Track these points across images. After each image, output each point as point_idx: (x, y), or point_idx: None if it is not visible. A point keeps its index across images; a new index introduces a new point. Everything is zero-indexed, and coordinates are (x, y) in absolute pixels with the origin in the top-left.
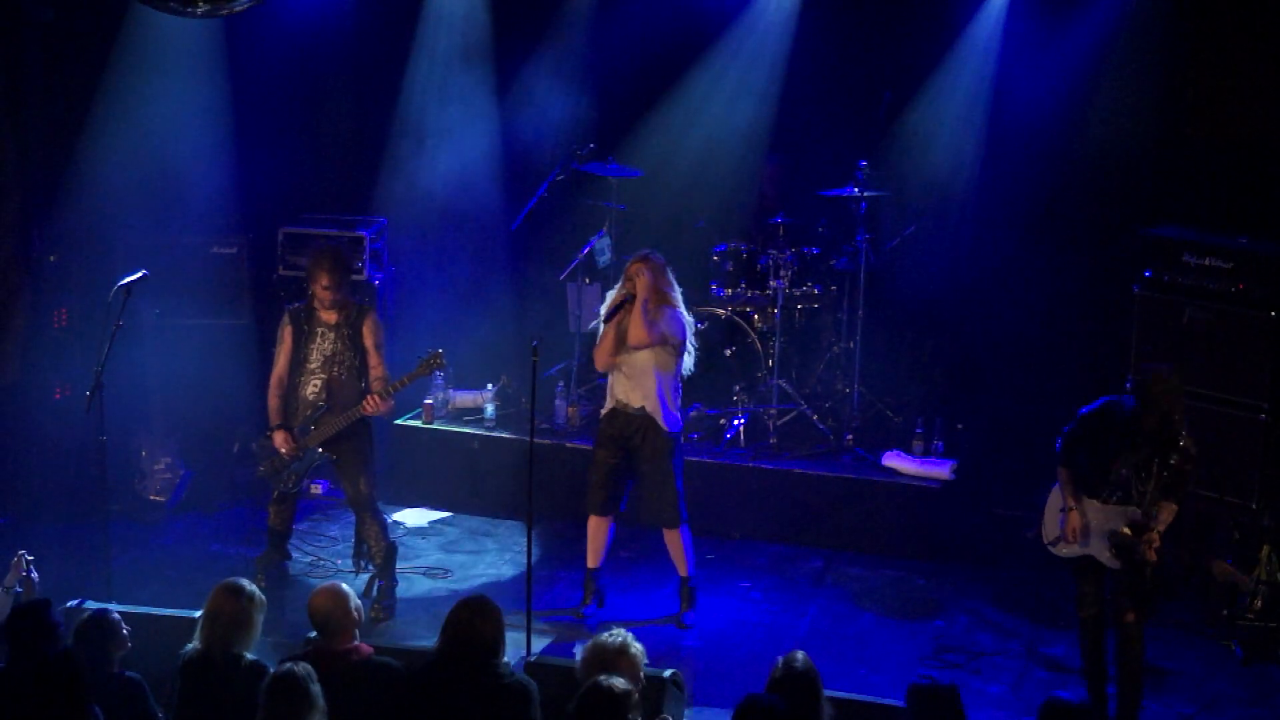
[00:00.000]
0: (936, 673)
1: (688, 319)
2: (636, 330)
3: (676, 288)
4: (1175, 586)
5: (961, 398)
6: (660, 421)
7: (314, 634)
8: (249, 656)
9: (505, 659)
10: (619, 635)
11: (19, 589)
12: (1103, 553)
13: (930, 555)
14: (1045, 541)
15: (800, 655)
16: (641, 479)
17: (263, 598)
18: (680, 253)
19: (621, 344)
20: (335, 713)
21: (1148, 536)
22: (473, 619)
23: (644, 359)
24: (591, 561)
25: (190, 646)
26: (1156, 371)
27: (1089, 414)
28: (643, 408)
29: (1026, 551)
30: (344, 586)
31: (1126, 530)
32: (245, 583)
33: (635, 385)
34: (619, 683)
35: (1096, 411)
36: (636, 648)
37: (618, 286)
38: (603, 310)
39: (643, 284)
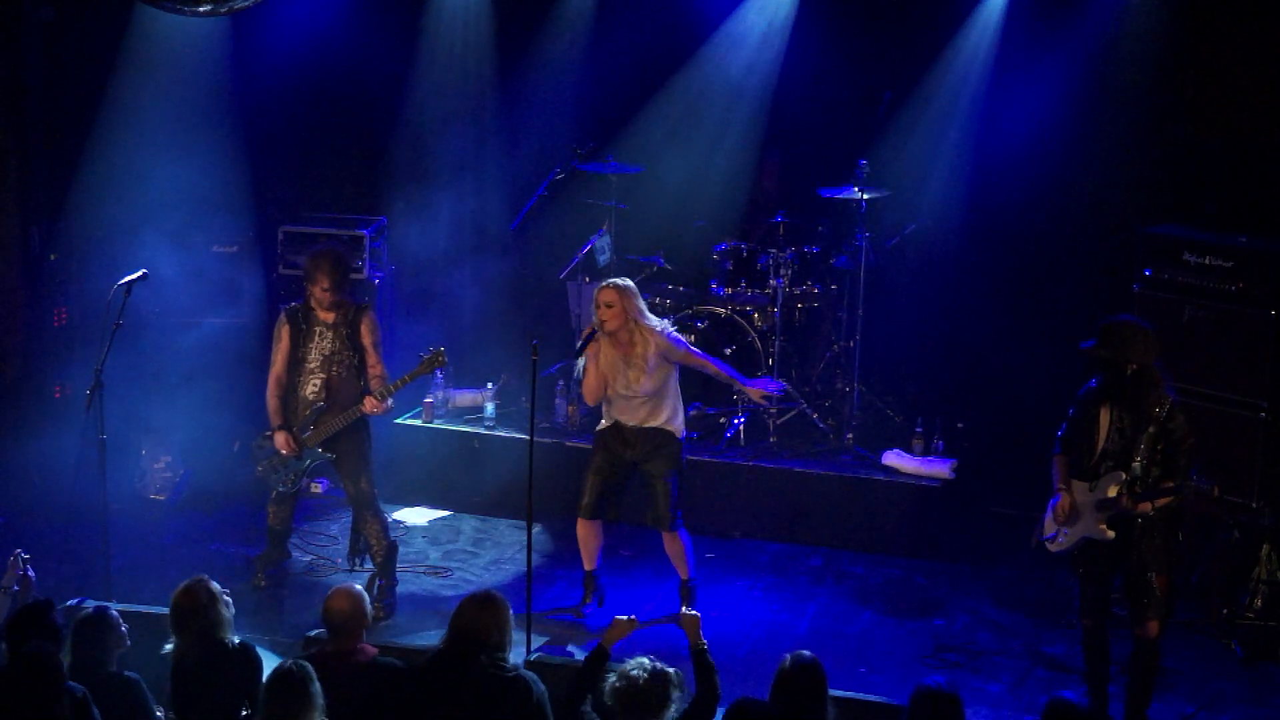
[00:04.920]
0: (943, 679)
1: (662, 323)
2: (645, 383)
3: (643, 303)
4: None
5: (961, 397)
6: (674, 430)
7: (314, 633)
8: (234, 640)
9: (510, 655)
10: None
11: (16, 588)
12: (1095, 527)
13: (930, 554)
14: (1043, 539)
15: (807, 653)
16: (645, 479)
17: (217, 587)
18: (680, 252)
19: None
20: (340, 712)
21: (1133, 489)
22: (477, 612)
23: (652, 385)
24: (588, 565)
25: (170, 646)
26: (1117, 320)
27: (1083, 393)
28: (655, 425)
29: (1026, 551)
30: (359, 588)
31: (1112, 492)
32: (201, 579)
33: (642, 409)
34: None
35: (1089, 388)
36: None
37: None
38: (577, 345)
39: (649, 341)
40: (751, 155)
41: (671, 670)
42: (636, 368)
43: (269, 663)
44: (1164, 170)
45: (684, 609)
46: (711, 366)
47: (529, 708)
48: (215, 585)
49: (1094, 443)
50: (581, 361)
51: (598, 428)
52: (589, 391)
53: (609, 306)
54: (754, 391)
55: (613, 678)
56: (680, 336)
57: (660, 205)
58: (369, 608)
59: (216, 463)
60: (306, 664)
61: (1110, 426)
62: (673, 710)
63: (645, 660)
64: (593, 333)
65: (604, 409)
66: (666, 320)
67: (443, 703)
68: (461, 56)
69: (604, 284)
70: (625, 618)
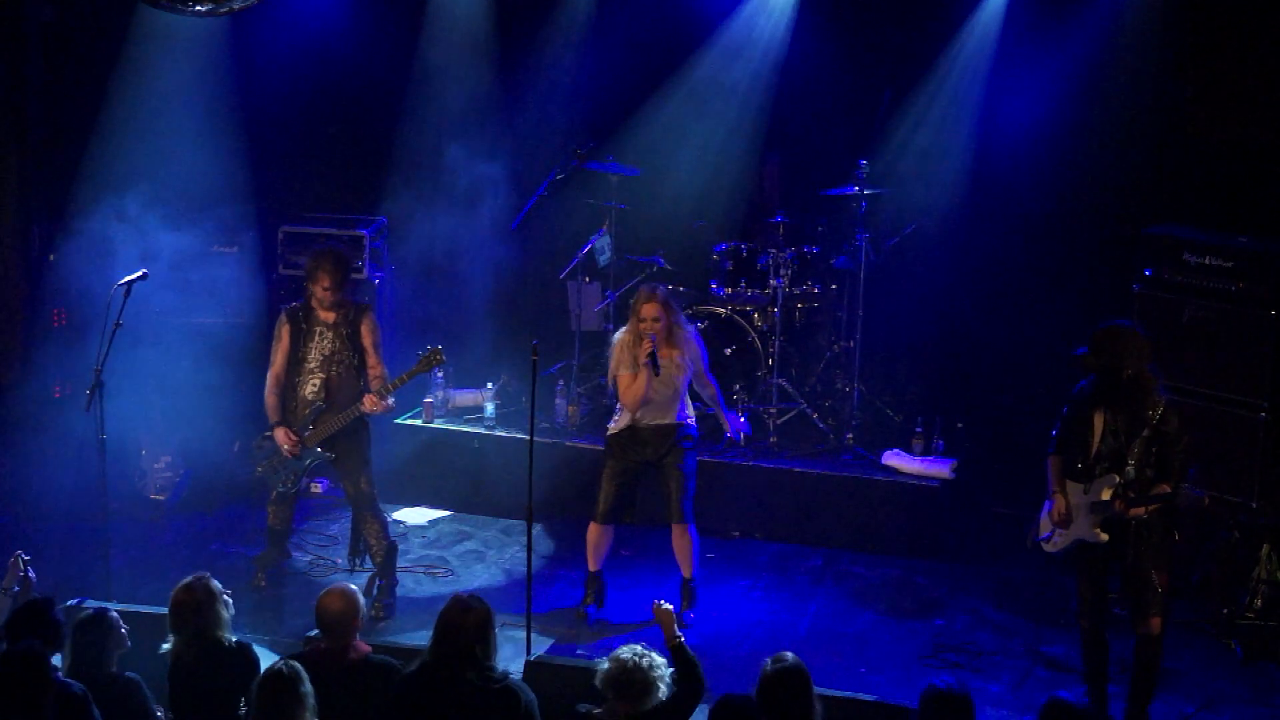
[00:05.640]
0: (953, 679)
1: (692, 328)
2: (678, 380)
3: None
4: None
5: (961, 397)
6: (689, 423)
7: (314, 633)
8: (232, 639)
9: (500, 660)
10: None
11: (16, 589)
12: (1089, 530)
13: (930, 554)
14: (1038, 539)
15: (789, 655)
16: (663, 473)
17: (217, 586)
18: (680, 252)
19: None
20: (334, 711)
21: (1125, 494)
22: (461, 616)
23: (677, 383)
24: (593, 566)
25: (168, 645)
26: (1110, 326)
27: (1076, 392)
28: (670, 421)
29: (1026, 551)
30: (352, 588)
31: (1106, 495)
32: (201, 577)
33: (663, 407)
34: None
35: (1081, 387)
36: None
37: (625, 329)
38: (637, 358)
39: (687, 347)
40: (751, 155)
41: (661, 658)
42: (674, 367)
43: (267, 663)
44: (1164, 170)
45: (658, 601)
46: (711, 388)
47: (517, 716)
48: (215, 584)
49: (1088, 445)
50: (611, 371)
51: (610, 432)
52: (635, 400)
53: (656, 320)
54: (726, 425)
55: (604, 663)
56: (704, 352)
57: (660, 205)
58: (362, 607)
59: (216, 463)
60: (296, 664)
61: (1104, 429)
62: (662, 693)
63: (638, 646)
64: (654, 349)
65: (621, 413)
66: (693, 326)
67: (432, 710)
68: (461, 56)
69: (645, 298)
70: (660, 603)
